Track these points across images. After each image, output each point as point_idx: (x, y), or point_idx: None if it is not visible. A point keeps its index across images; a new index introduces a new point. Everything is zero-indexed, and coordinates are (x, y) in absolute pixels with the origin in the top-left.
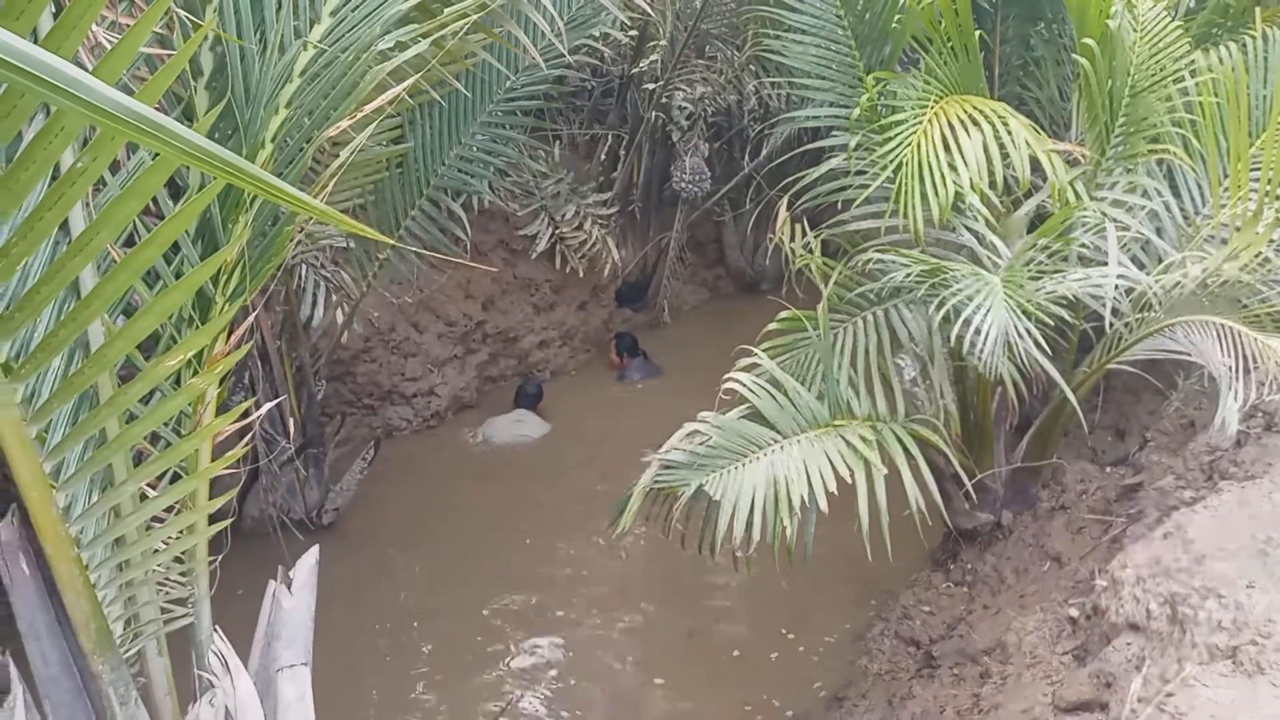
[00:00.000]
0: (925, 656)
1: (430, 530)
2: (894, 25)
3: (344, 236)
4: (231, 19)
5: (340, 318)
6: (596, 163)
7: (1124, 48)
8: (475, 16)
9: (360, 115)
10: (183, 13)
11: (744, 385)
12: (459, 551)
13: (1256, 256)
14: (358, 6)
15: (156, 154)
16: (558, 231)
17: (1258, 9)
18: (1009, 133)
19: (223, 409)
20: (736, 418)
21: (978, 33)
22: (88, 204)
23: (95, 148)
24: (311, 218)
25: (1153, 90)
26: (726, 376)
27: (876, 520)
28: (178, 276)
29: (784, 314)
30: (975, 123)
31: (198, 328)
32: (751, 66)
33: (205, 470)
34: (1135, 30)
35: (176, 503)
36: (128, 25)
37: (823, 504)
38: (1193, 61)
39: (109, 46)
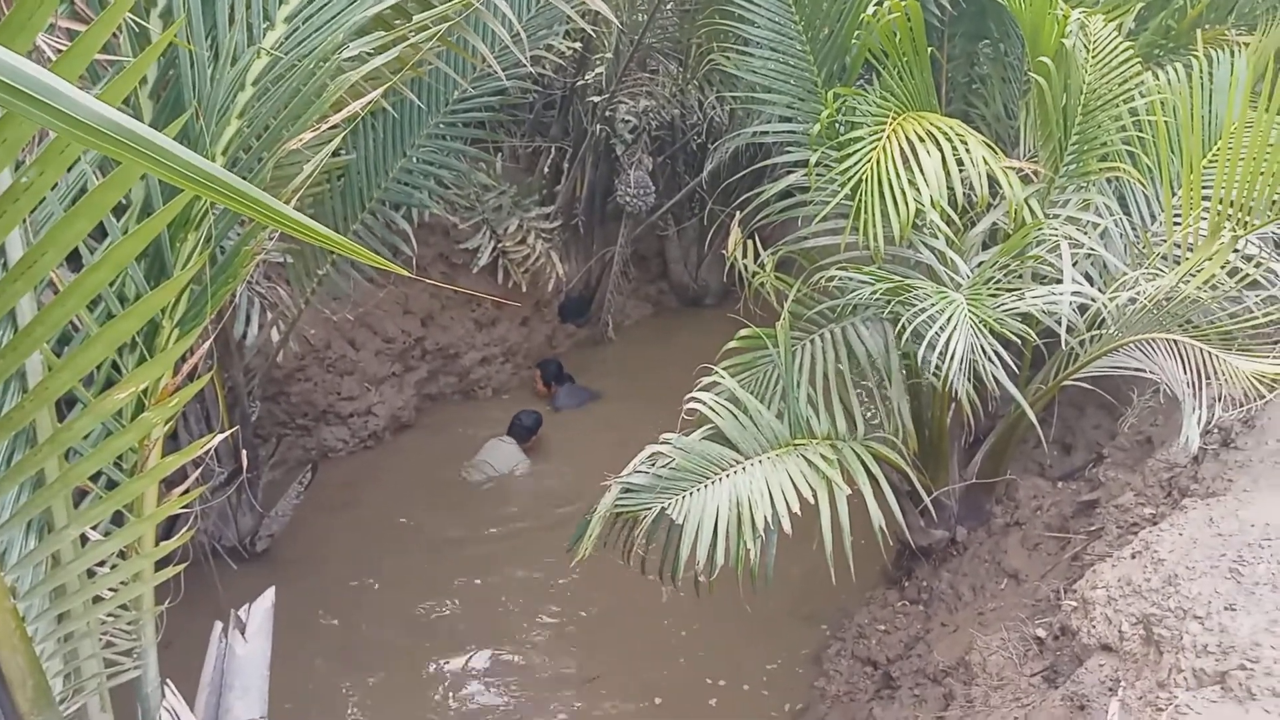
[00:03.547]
0: (884, 677)
1: (369, 560)
2: (853, 41)
3: (281, 251)
4: (181, 24)
5: (276, 336)
6: (539, 176)
7: (1077, 66)
8: (439, 29)
9: (325, 128)
10: (130, 16)
11: (706, 405)
12: (398, 581)
13: (1212, 277)
14: (312, 16)
15: (102, 167)
16: (500, 245)
17: (1199, 31)
18: (967, 150)
19: None
20: (699, 438)
21: (928, 49)
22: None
23: (44, 161)
24: (271, 236)
25: (1104, 109)
26: (689, 396)
27: (840, 540)
28: (120, 300)
29: (743, 332)
30: (934, 139)
31: (143, 357)
32: (696, 80)
33: (154, 513)
34: (1087, 50)
35: (122, 548)
36: (67, 30)
37: (786, 525)
38: (1142, 81)
39: (47, 51)
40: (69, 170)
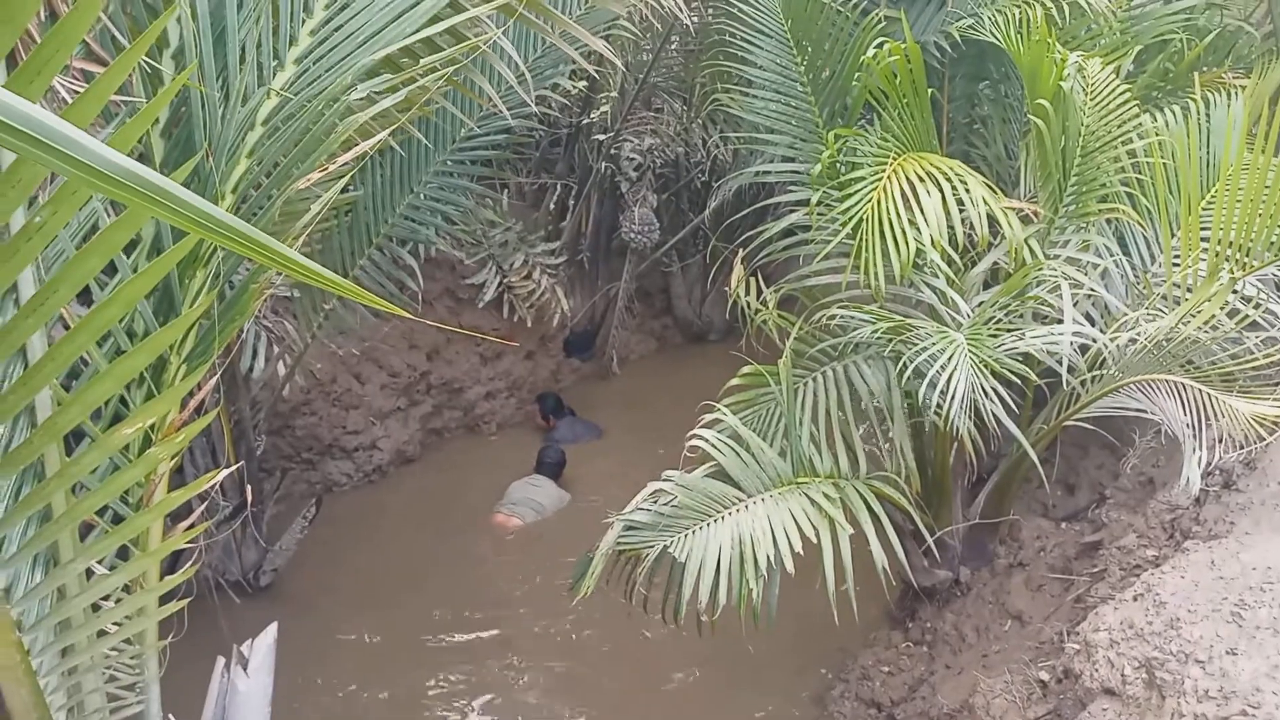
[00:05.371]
0: (888, 719)
1: (373, 594)
2: (854, 82)
3: (289, 286)
4: (194, 68)
5: (282, 369)
6: (545, 212)
7: (1075, 109)
8: (448, 71)
9: (333, 167)
10: (143, 58)
11: (708, 442)
12: (403, 617)
13: (1212, 318)
14: (322, 58)
15: (113, 205)
16: (505, 281)
17: (1196, 74)
18: (967, 190)
19: None
20: (701, 476)
21: (929, 91)
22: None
23: (56, 201)
24: (279, 272)
25: (1103, 150)
26: (691, 434)
27: (842, 580)
28: (129, 336)
29: (746, 369)
30: (934, 180)
31: (151, 392)
32: (700, 119)
33: (159, 548)
34: (1086, 92)
35: (127, 582)
36: (81, 70)
37: (789, 565)
38: (1140, 123)
39: (62, 92)
40: (80, 209)
